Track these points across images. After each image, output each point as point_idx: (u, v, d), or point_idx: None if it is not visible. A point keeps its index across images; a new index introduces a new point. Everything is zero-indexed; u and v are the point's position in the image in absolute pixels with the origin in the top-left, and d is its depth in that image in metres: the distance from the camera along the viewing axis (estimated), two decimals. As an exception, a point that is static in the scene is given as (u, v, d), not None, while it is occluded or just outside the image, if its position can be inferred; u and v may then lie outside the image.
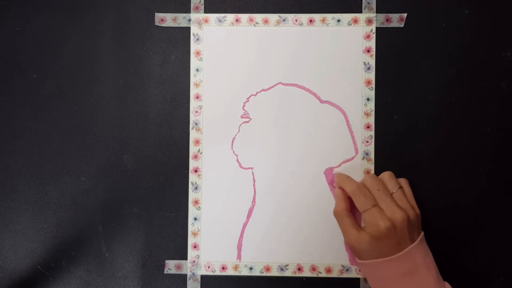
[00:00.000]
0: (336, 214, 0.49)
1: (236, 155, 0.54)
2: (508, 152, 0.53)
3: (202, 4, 0.54)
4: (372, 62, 0.53)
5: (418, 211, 0.47)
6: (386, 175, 0.49)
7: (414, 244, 0.45)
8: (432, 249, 0.47)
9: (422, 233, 0.47)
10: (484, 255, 0.52)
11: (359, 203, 0.47)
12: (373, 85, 0.53)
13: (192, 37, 0.54)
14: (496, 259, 0.53)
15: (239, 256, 0.53)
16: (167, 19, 0.54)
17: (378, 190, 0.47)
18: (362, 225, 0.49)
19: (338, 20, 0.53)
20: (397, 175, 0.49)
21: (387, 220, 0.45)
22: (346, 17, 0.53)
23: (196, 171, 0.54)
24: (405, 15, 0.53)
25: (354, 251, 0.48)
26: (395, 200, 0.47)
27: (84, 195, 0.54)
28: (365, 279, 0.52)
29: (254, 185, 0.53)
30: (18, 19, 0.55)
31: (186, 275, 0.54)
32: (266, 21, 0.54)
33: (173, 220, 0.54)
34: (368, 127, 0.53)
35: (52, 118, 0.54)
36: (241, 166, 0.54)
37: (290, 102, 0.54)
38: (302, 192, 0.53)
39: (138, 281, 0.54)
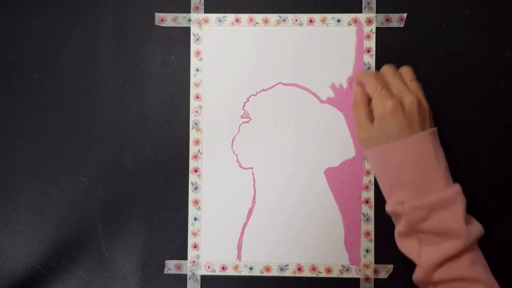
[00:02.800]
0: (353, 107, 0.48)
1: (236, 155, 0.54)
2: (508, 152, 0.53)
3: (202, 4, 0.54)
4: (372, 62, 0.53)
5: (429, 109, 0.45)
6: (405, 67, 0.47)
7: (425, 132, 0.43)
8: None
9: (435, 129, 0.45)
10: (484, 255, 0.52)
11: (370, 85, 0.46)
12: (373, 85, 0.53)
13: (192, 37, 0.54)
14: (497, 260, 0.52)
15: (239, 256, 0.53)
16: (167, 19, 0.54)
17: (393, 75, 0.46)
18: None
19: (338, 20, 0.53)
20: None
21: (394, 98, 0.44)
22: (346, 17, 0.53)
23: (196, 171, 0.54)
24: (405, 15, 0.53)
25: (364, 143, 0.47)
26: (409, 87, 0.45)
27: (84, 195, 0.54)
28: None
29: (254, 185, 0.53)
30: (18, 19, 0.55)
31: (186, 275, 0.54)
32: (266, 21, 0.54)
33: (173, 220, 0.54)
34: (368, 127, 0.53)
35: (52, 118, 0.54)
36: (241, 166, 0.54)
37: (290, 102, 0.54)
38: (302, 192, 0.53)
39: (138, 281, 0.54)
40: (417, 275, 0.44)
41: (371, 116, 0.46)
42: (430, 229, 0.42)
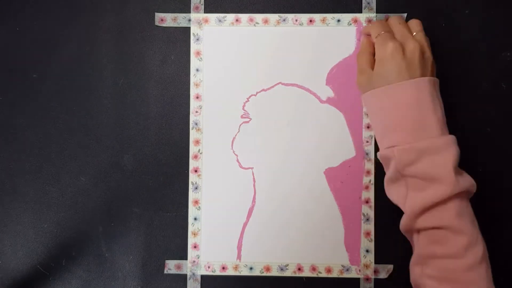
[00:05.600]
0: (357, 55, 0.48)
1: (236, 155, 0.54)
2: (508, 152, 0.53)
3: (202, 4, 0.54)
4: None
5: (434, 61, 0.45)
6: (414, 20, 0.47)
7: (424, 78, 0.43)
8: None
9: (437, 79, 0.44)
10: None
11: (373, 30, 0.46)
12: (373, 85, 0.53)
13: (192, 37, 0.54)
14: (496, 259, 0.52)
15: (239, 256, 0.53)
16: (167, 19, 0.54)
17: (400, 23, 0.46)
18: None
19: (338, 20, 0.53)
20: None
21: (396, 41, 0.44)
22: (346, 17, 0.53)
23: (196, 171, 0.54)
24: (405, 15, 0.53)
25: (362, 89, 0.47)
26: (414, 36, 0.45)
27: (84, 195, 0.54)
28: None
29: (254, 185, 0.53)
30: (18, 19, 0.55)
31: (186, 275, 0.54)
32: (266, 21, 0.54)
33: (173, 220, 0.54)
34: (368, 127, 0.53)
35: (52, 118, 0.54)
36: (241, 166, 0.54)
37: (290, 102, 0.54)
38: (302, 192, 0.53)
39: (138, 281, 0.54)
40: (402, 222, 0.44)
41: (373, 64, 0.46)
42: (418, 173, 0.42)
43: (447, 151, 0.41)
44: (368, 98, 0.46)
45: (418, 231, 0.43)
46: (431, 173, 0.41)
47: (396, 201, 0.45)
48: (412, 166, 0.42)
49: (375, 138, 0.52)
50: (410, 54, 0.43)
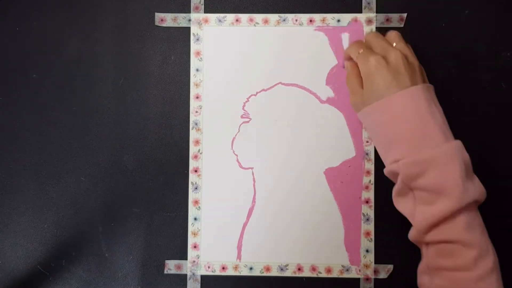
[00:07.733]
0: (346, 80, 0.48)
1: (236, 155, 0.54)
2: (509, 152, 0.53)
3: (202, 4, 0.54)
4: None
5: (420, 65, 0.44)
6: (392, 31, 0.46)
7: (417, 86, 0.42)
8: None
9: (430, 85, 0.43)
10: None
11: (353, 50, 0.46)
12: (373, 85, 0.53)
13: (192, 37, 0.54)
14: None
15: (239, 256, 0.53)
16: (167, 19, 0.54)
17: (377, 37, 0.45)
18: None
19: (338, 20, 0.53)
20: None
21: (377, 54, 0.43)
22: (346, 17, 0.53)
23: (196, 171, 0.54)
24: (405, 15, 0.53)
25: (356, 108, 0.46)
26: (394, 47, 0.44)
27: (84, 195, 0.54)
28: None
29: (254, 185, 0.53)
30: (18, 19, 0.55)
31: (186, 275, 0.54)
32: (266, 21, 0.54)
33: (173, 220, 0.54)
34: (368, 127, 0.53)
35: (52, 118, 0.54)
36: (241, 166, 0.54)
37: (290, 102, 0.54)
38: (302, 192, 0.53)
39: (138, 281, 0.54)
40: (411, 234, 0.43)
41: (362, 84, 0.46)
42: (425, 186, 0.41)
43: (452, 160, 0.40)
44: (363, 117, 0.46)
45: (427, 243, 0.43)
46: (438, 185, 0.40)
47: (404, 214, 0.44)
48: (419, 179, 0.41)
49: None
50: (394, 63, 0.43)
